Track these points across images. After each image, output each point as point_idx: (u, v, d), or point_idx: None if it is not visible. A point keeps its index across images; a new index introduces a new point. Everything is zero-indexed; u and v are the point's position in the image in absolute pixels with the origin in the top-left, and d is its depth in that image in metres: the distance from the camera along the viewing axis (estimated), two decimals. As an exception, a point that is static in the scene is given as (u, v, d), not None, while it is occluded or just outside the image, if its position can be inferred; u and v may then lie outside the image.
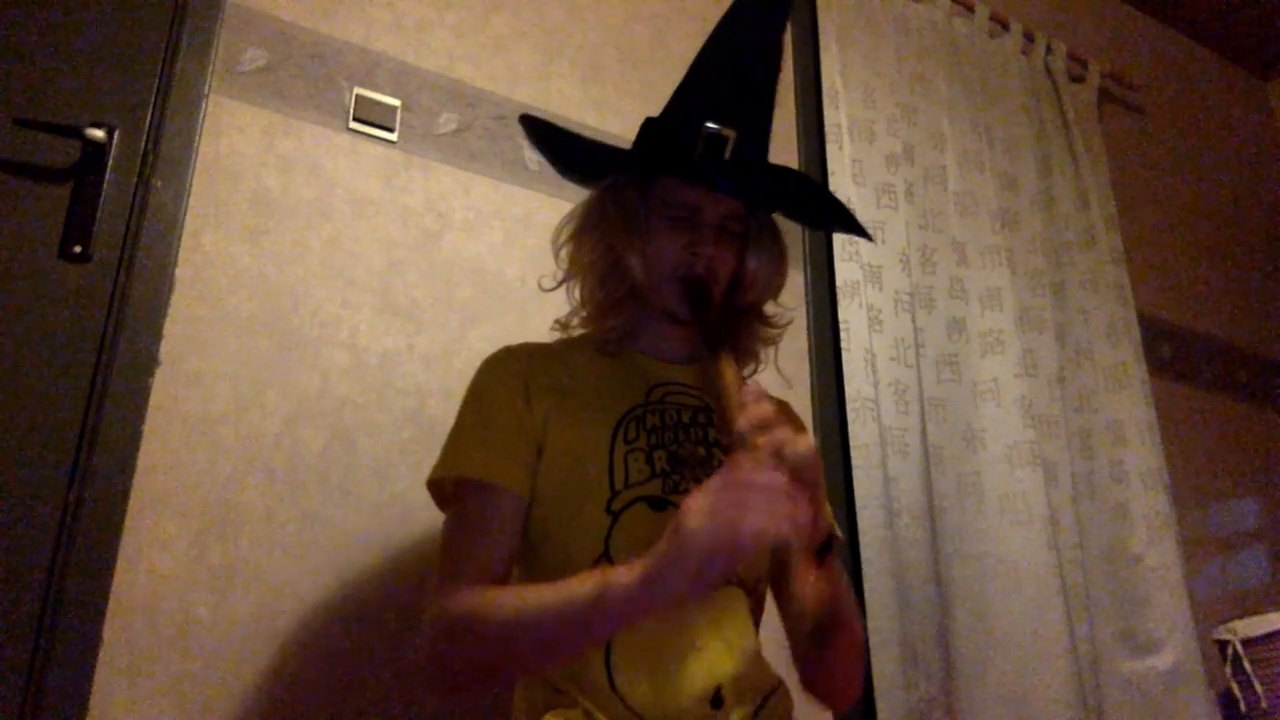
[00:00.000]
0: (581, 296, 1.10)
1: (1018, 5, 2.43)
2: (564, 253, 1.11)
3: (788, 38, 2.00)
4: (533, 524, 0.99)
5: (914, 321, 1.85)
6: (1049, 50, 2.40)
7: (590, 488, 0.97)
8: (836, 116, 1.93)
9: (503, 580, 0.96)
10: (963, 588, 1.70)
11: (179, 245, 1.25)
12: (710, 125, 1.01)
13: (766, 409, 0.83)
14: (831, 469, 1.70)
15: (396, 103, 1.48)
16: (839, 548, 0.77)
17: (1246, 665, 1.95)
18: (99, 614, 1.07)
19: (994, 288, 1.94)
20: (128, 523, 1.12)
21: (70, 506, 1.10)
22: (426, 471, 1.04)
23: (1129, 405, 2.05)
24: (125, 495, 1.12)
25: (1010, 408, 1.83)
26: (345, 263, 1.37)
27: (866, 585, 1.60)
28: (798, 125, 1.95)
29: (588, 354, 1.09)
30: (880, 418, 1.73)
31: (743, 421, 0.82)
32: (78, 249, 1.19)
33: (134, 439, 1.15)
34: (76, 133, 1.20)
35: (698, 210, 1.05)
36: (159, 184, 1.25)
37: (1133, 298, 2.22)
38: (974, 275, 1.95)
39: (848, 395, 1.72)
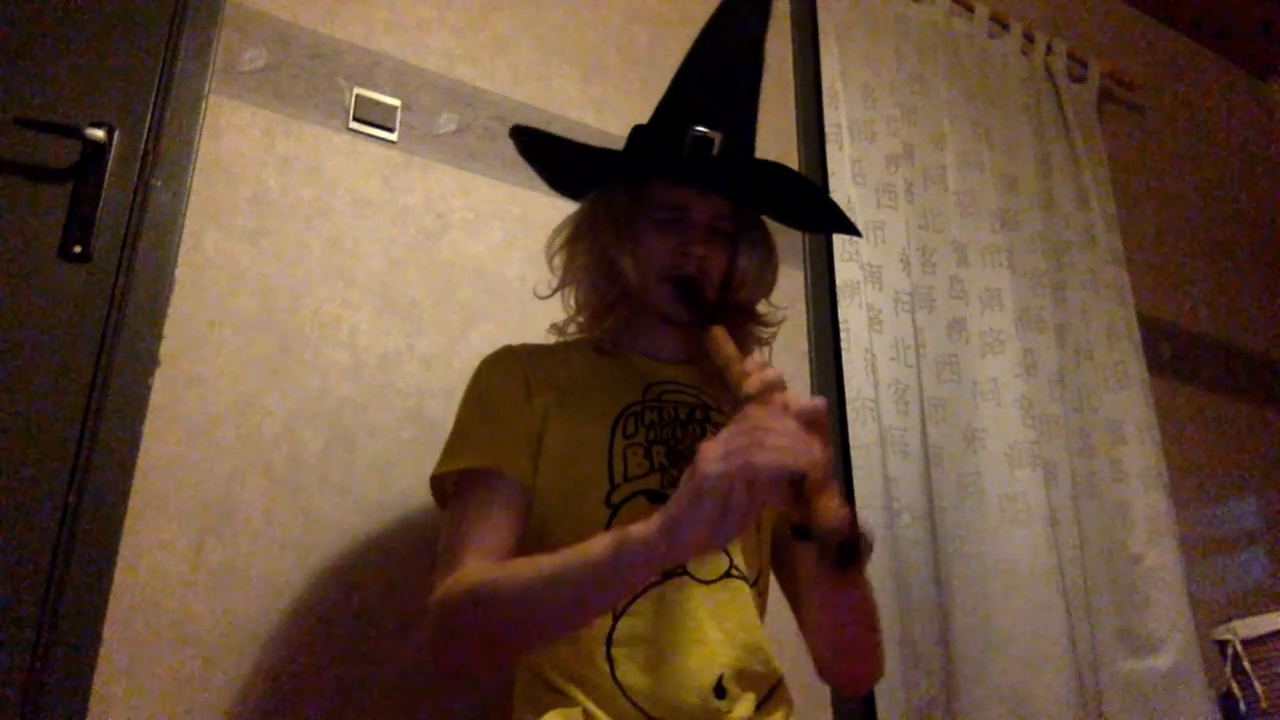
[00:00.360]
0: (577, 302, 1.13)
1: (1018, 5, 2.43)
2: (557, 260, 1.13)
3: (786, 38, 2.01)
4: (532, 518, 1.00)
5: (914, 321, 1.85)
6: (1049, 50, 2.40)
7: (589, 481, 0.98)
8: (836, 116, 1.93)
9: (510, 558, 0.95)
10: (963, 588, 1.70)
11: (179, 245, 1.25)
12: (697, 129, 1.03)
13: (772, 373, 0.84)
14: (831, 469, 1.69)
15: (396, 103, 1.48)
16: (866, 550, 0.75)
17: (1246, 665, 1.95)
18: (99, 614, 1.07)
19: (994, 288, 1.94)
20: (128, 523, 1.12)
21: (70, 507, 1.10)
22: (426, 471, 1.05)
23: (1129, 405, 2.05)
24: (125, 495, 1.12)
25: (1010, 408, 1.83)
26: (345, 263, 1.37)
27: (866, 585, 1.60)
28: (798, 125, 1.95)
29: (585, 354, 1.10)
30: (880, 418, 1.73)
31: (751, 384, 0.83)
32: (78, 249, 1.19)
33: (134, 439, 1.15)
34: (76, 133, 1.20)
35: (687, 210, 1.07)
36: (159, 184, 1.25)
37: (1133, 298, 2.22)
38: (974, 275, 1.95)
39: (848, 395, 1.72)
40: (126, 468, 1.13)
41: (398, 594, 1.25)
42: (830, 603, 0.98)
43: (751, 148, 1.10)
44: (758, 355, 0.90)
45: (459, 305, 1.44)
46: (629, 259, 1.05)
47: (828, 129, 1.92)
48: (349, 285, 1.37)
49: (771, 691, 0.97)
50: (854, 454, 1.68)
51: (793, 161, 1.91)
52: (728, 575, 0.98)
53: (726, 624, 0.95)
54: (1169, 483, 2.03)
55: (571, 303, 1.14)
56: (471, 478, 0.99)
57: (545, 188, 1.23)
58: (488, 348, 1.13)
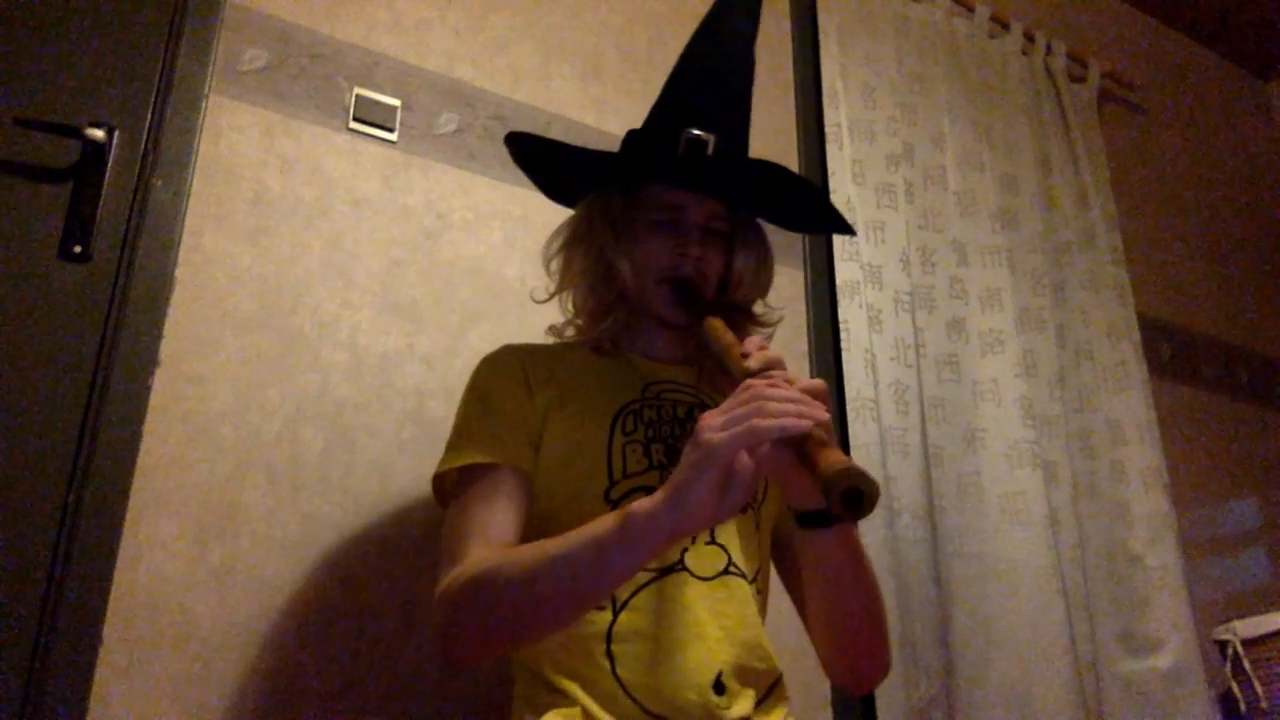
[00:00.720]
0: (574, 305, 1.13)
1: (1018, 5, 2.43)
2: (555, 264, 1.13)
3: (786, 38, 2.01)
4: (532, 515, 1.00)
5: (914, 321, 1.85)
6: (1049, 50, 2.40)
7: (589, 478, 0.99)
8: (836, 116, 1.93)
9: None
10: (963, 588, 1.70)
11: (179, 245, 1.25)
12: (690, 131, 1.03)
13: (772, 354, 0.85)
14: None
15: (396, 103, 1.48)
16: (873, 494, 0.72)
17: (1246, 665, 1.95)
18: (99, 614, 1.07)
19: (994, 288, 1.94)
20: (128, 523, 1.12)
21: (70, 506, 1.10)
22: (426, 471, 1.05)
23: (1129, 405, 2.05)
24: (125, 495, 1.12)
25: (1010, 408, 1.83)
26: (345, 263, 1.37)
27: (866, 585, 1.60)
28: (798, 125, 1.95)
29: (584, 354, 1.11)
30: (880, 418, 1.72)
31: (752, 362, 0.84)
32: (78, 249, 1.19)
33: (134, 439, 1.15)
34: (76, 133, 1.20)
35: (682, 212, 1.07)
36: (159, 184, 1.25)
37: (1133, 298, 2.22)
38: (974, 275, 1.95)
39: (848, 395, 1.72)
40: (126, 468, 1.13)
41: (398, 594, 1.25)
42: (834, 585, 0.95)
43: (745, 149, 1.11)
44: (756, 338, 0.90)
45: (459, 305, 1.44)
46: (626, 262, 1.06)
47: (828, 129, 1.92)
48: (349, 285, 1.37)
49: (771, 689, 0.98)
50: (854, 454, 1.68)
51: (792, 161, 1.91)
52: (726, 572, 0.98)
53: (725, 621, 0.95)
54: (1169, 483, 2.03)
55: (569, 306, 1.14)
56: (473, 473, 0.99)
57: (545, 187, 1.23)
58: (488, 347, 1.13)
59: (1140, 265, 2.41)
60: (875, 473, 1.67)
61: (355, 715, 1.18)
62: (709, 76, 1.09)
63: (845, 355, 1.75)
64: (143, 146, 1.27)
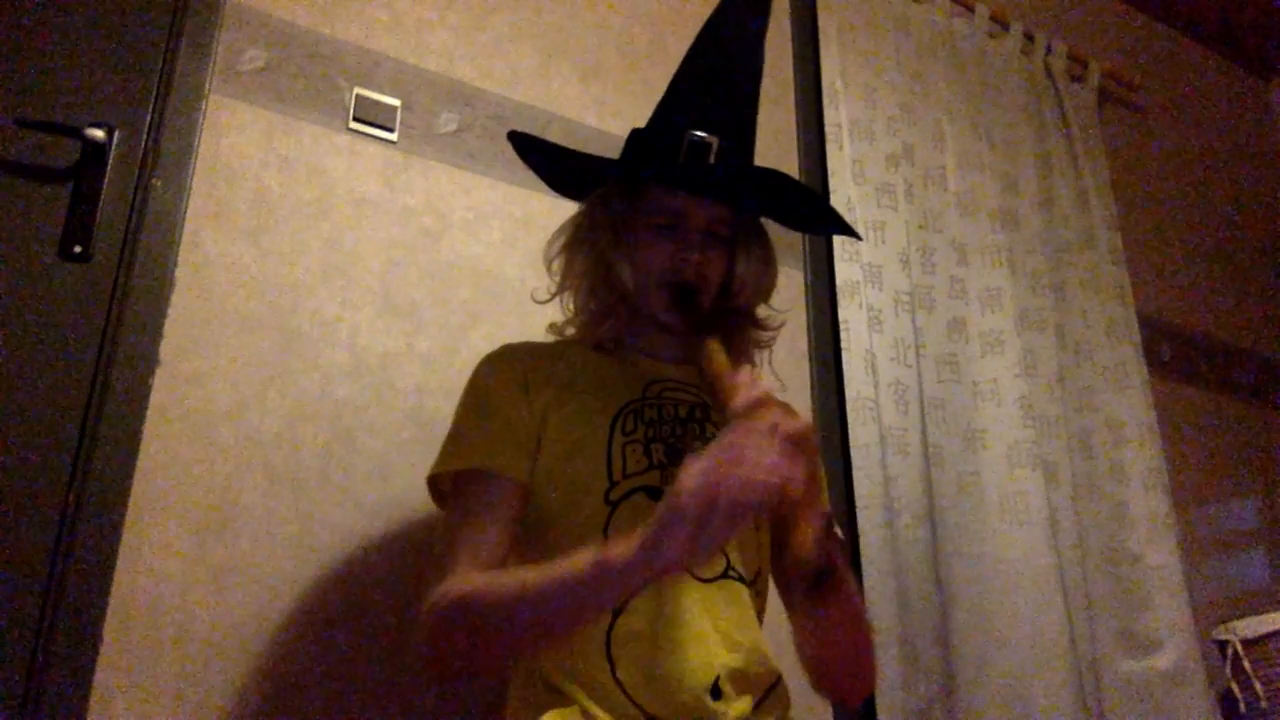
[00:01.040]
0: (576, 306, 1.12)
1: (1018, 5, 2.42)
2: (556, 265, 1.12)
3: (786, 38, 2.01)
4: (531, 514, 1.00)
5: (914, 321, 1.85)
6: (1049, 50, 2.40)
7: (589, 478, 0.98)
8: (836, 116, 1.93)
9: (502, 565, 0.96)
10: (963, 588, 1.70)
11: (179, 245, 1.25)
12: (694, 133, 1.02)
13: (760, 391, 0.84)
14: (831, 469, 1.70)
15: (396, 103, 1.48)
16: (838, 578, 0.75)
17: (1246, 665, 1.95)
18: (99, 614, 1.07)
19: (994, 288, 1.94)
20: (128, 523, 1.12)
21: (70, 506, 1.10)
22: (426, 471, 1.05)
23: (1129, 405, 2.05)
24: (125, 495, 1.12)
25: (1010, 408, 1.83)
26: (345, 263, 1.37)
27: (866, 585, 1.60)
28: (798, 125, 1.95)
29: (585, 352, 1.10)
30: (880, 418, 1.72)
31: (738, 402, 0.83)
32: (78, 249, 1.19)
33: (134, 439, 1.15)
34: (76, 133, 1.20)
35: (684, 216, 1.06)
36: (159, 184, 1.25)
37: (1133, 298, 2.22)
38: (974, 275, 1.95)
39: (848, 395, 1.72)
40: (126, 468, 1.13)
41: (398, 594, 1.25)
42: (816, 622, 0.99)
43: (750, 151, 1.09)
44: (748, 369, 0.90)
45: (459, 305, 1.44)
46: (626, 265, 1.05)
47: (828, 129, 1.91)
48: (349, 285, 1.37)
49: (769, 692, 0.97)
50: (854, 454, 1.68)
51: (792, 161, 1.91)
52: (725, 576, 0.98)
53: (723, 624, 0.95)
54: (1169, 483, 2.03)
55: (570, 307, 1.14)
56: (466, 479, 0.99)
57: (545, 188, 1.23)
58: (488, 347, 1.13)
59: (1140, 265, 2.41)
60: (875, 473, 1.67)
61: (355, 715, 1.18)
62: (715, 75, 1.07)
63: (845, 355, 1.75)
64: (143, 146, 1.27)
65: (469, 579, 0.91)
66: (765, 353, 1.16)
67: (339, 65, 1.46)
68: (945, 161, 2.03)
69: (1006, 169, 2.15)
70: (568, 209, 1.18)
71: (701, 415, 1.06)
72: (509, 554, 0.98)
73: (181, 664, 1.11)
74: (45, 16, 1.25)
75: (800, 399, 1.72)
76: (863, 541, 1.62)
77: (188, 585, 1.14)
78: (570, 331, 1.15)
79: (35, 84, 1.23)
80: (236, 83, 1.36)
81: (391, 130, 1.47)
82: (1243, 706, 1.95)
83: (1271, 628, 1.94)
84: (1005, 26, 2.32)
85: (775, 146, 1.90)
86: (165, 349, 1.21)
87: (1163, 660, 1.86)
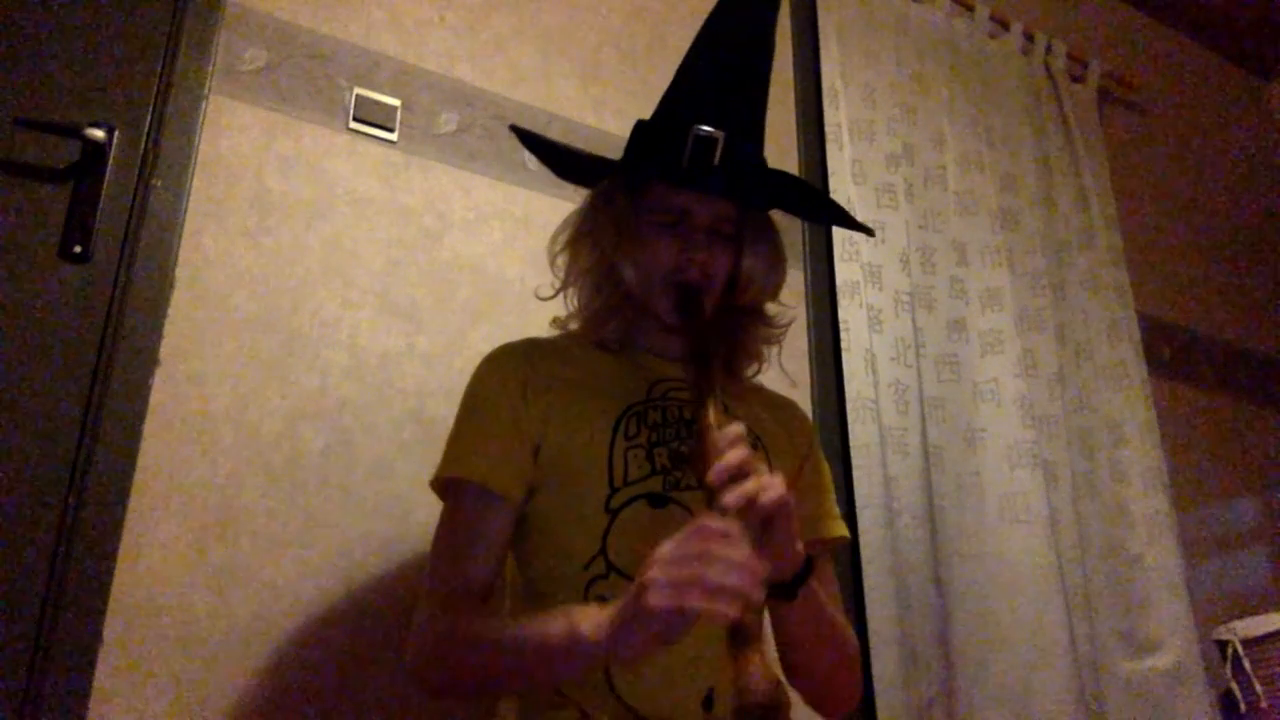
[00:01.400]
0: (579, 303, 1.11)
1: (1018, 5, 2.43)
2: (559, 261, 1.11)
3: (786, 38, 2.01)
4: (530, 519, 0.99)
5: (914, 321, 1.85)
6: (1049, 50, 2.40)
7: (589, 485, 0.97)
8: (836, 116, 1.93)
9: (489, 588, 0.96)
10: (963, 588, 1.70)
11: (179, 245, 1.25)
12: (699, 128, 1.00)
13: (740, 455, 0.82)
14: (832, 469, 1.69)
15: (396, 103, 1.48)
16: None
17: (1246, 665, 1.95)
18: (99, 614, 1.07)
19: (994, 288, 1.94)
20: (128, 523, 1.12)
21: (70, 506, 1.10)
22: (426, 471, 1.05)
23: (1129, 405, 2.05)
24: (125, 495, 1.12)
25: (1010, 408, 1.83)
26: (345, 263, 1.37)
27: (866, 585, 1.60)
28: (798, 125, 1.95)
29: (588, 350, 1.09)
30: (880, 418, 1.72)
31: (713, 475, 0.82)
32: (78, 249, 1.19)
33: (134, 439, 1.15)
34: (76, 133, 1.20)
35: (688, 214, 1.04)
36: (159, 184, 1.25)
37: (1133, 298, 2.22)
38: (974, 275, 1.95)
39: (848, 395, 1.72)
40: (126, 468, 1.13)
41: (398, 594, 1.25)
42: (797, 641, 1.01)
43: (758, 146, 1.07)
44: (737, 428, 0.86)
45: (459, 305, 1.44)
46: (630, 264, 1.03)
47: (828, 129, 1.91)
48: (349, 285, 1.37)
49: None
50: (854, 454, 1.68)
51: (793, 161, 1.91)
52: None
53: (719, 634, 0.94)
54: (1169, 483, 2.03)
55: (573, 304, 1.12)
56: (460, 488, 0.99)
57: (545, 188, 1.23)
58: (488, 347, 1.12)
59: (1140, 265, 2.41)
60: (875, 473, 1.67)
61: (355, 715, 1.18)
62: (722, 67, 1.04)
63: (845, 355, 1.75)
64: (143, 146, 1.27)
65: (448, 617, 0.92)
66: (774, 349, 1.15)
67: (339, 65, 1.45)
68: (945, 161, 2.03)
69: (1006, 169, 2.15)
70: (568, 209, 1.18)
71: None
72: (499, 572, 0.98)
73: (181, 664, 1.11)
74: (45, 17, 1.25)
75: (800, 399, 1.72)
76: (863, 541, 1.62)
77: (188, 585, 1.14)
78: (574, 326, 1.13)
79: (35, 84, 1.23)
80: (236, 83, 1.36)
81: (391, 130, 1.47)
82: (1243, 706, 1.95)
83: (1271, 628, 1.94)
84: (1005, 26, 2.32)
85: (775, 146, 1.89)
86: (165, 349, 1.21)
87: (1163, 660, 1.86)
